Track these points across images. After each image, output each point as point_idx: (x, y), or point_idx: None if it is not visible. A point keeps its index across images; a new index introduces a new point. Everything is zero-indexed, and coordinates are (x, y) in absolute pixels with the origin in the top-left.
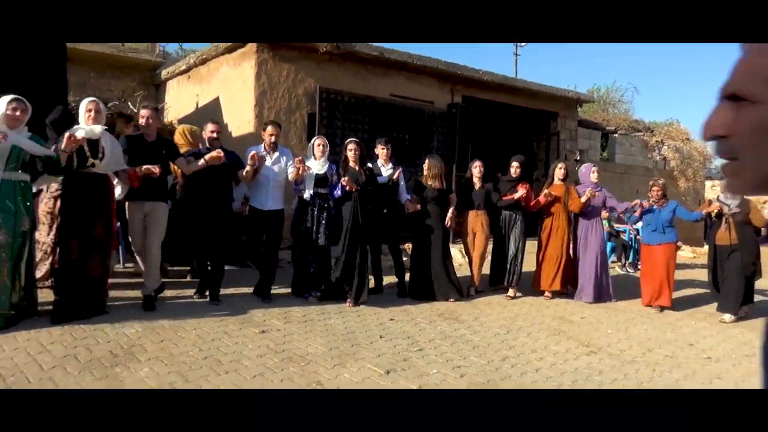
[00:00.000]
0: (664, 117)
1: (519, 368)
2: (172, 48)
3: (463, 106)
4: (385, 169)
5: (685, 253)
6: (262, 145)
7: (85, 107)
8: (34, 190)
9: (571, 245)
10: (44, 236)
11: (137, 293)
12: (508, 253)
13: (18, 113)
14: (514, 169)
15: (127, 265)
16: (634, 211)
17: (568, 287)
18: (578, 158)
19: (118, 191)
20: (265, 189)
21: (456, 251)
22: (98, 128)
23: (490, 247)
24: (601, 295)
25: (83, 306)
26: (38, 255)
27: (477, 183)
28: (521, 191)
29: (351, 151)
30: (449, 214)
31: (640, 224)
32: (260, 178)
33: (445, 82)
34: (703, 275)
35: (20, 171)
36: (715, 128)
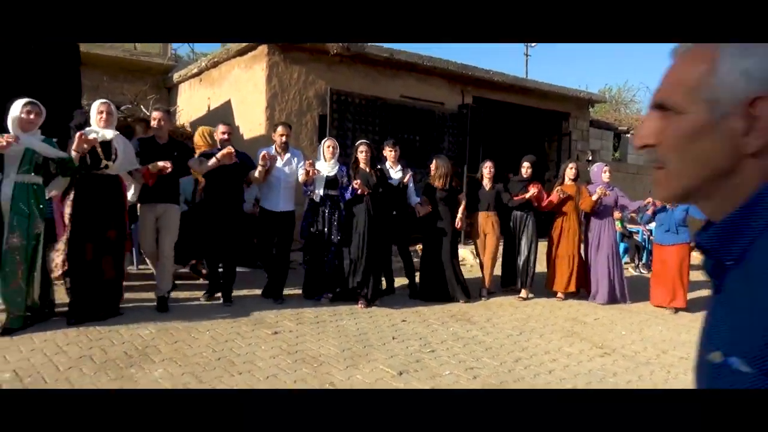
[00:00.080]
0: None
1: (532, 370)
2: (183, 51)
3: (473, 107)
4: (394, 171)
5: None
6: (273, 147)
7: (96, 109)
8: (48, 194)
9: (582, 246)
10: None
11: (151, 295)
12: (520, 253)
13: (32, 116)
14: (525, 169)
15: (140, 266)
16: (647, 210)
17: (581, 289)
18: (590, 158)
19: (130, 193)
20: (276, 190)
21: (468, 252)
22: (110, 132)
23: (501, 248)
24: (615, 296)
25: (98, 307)
26: (61, 257)
27: (487, 184)
28: (533, 190)
29: (362, 152)
30: (459, 215)
31: (653, 224)
32: (271, 180)
33: (456, 83)
34: None
35: (33, 174)
36: (644, 137)
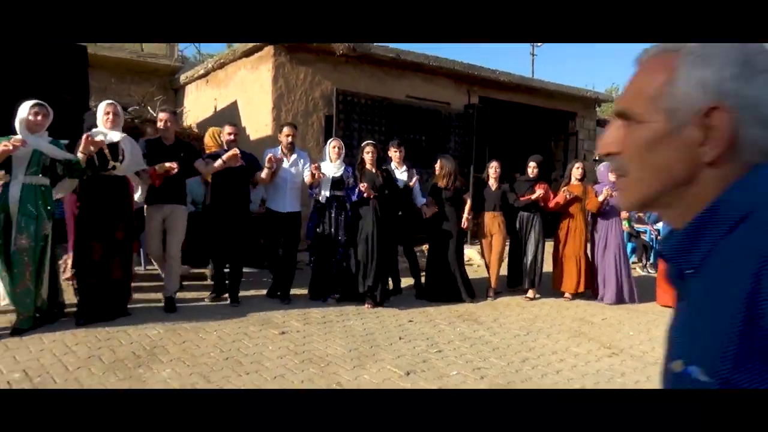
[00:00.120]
0: None
1: (539, 370)
2: (190, 53)
3: (480, 107)
4: (399, 172)
5: None
6: (280, 147)
7: (103, 110)
8: (55, 195)
9: (588, 246)
10: None
11: (158, 295)
12: (527, 254)
13: (39, 118)
14: (532, 169)
15: (148, 267)
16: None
17: (587, 289)
18: (597, 158)
19: (137, 195)
20: (282, 191)
21: (474, 253)
22: (117, 134)
23: (507, 248)
24: (622, 296)
25: (106, 308)
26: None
27: (493, 184)
28: (539, 191)
29: (368, 153)
30: (465, 215)
31: (660, 224)
32: (278, 181)
33: (462, 83)
34: None
35: (41, 175)
36: (608, 145)
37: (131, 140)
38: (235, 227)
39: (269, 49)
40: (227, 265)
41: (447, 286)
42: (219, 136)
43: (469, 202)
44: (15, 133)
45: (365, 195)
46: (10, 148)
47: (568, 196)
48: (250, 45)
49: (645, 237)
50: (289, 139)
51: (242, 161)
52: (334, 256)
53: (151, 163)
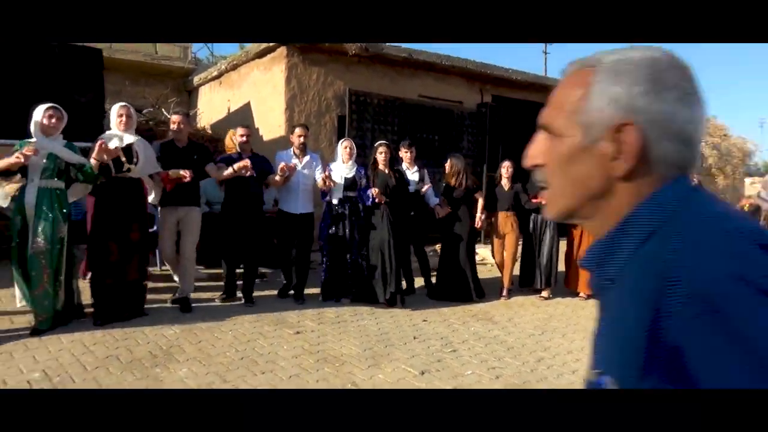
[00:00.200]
0: None
1: (555, 370)
2: (203, 55)
3: (492, 106)
4: (410, 173)
5: None
6: (291, 149)
7: (116, 112)
8: (70, 198)
9: None
10: None
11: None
12: (541, 253)
13: (54, 121)
14: None
15: (163, 267)
16: None
17: None
18: None
19: (151, 197)
20: (294, 193)
21: (488, 252)
22: (130, 137)
23: (520, 247)
24: None
25: (123, 308)
26: None
27: (506, 184)
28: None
29: (381, 154)
30: (477, 215)
31: None
32: (290, 183)
33: (474, 81)
34: None
35: (56, 178)
36: (533, 157)
37: (145, 142)
38: (249, 228)
39: (282, 50)
40: (239, 267)
41: (457, 285)
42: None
43: (481, 201)
44: (31, 137)
45: (377, 200)
46: (22, 160)
47: None
48: (263, 46)
49: None
50: (301, 139)
51: (253, 171)
52: (348, 256)
53: (164, 165)
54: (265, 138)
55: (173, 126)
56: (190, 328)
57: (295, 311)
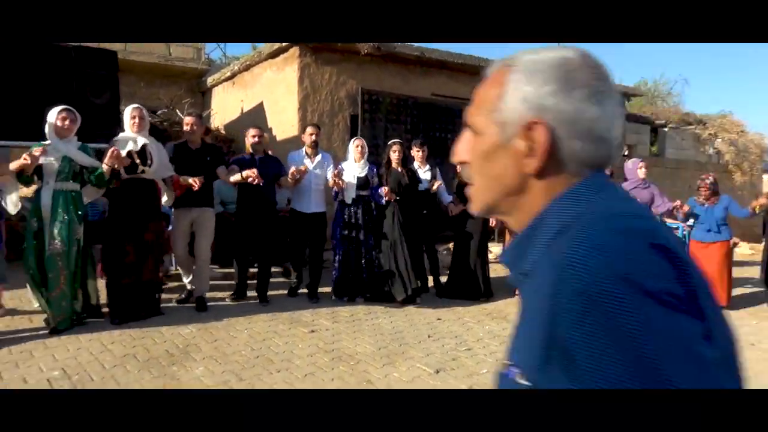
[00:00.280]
0: (716, 109)
1: None
2: (216, 55)
3: None
4: (422, 171)
5: (743, 250)
6: (303, 149)
7: (129, 114)
8: (85, 200)
9: None
10: None
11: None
12: None
13: (67, 123)
14: None
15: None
16: (678, 211)
17: None
18: (626, 153)
19: (164, 199)
20: (307, 192)
21: (501, 250)
22: (142, 139)
23: None
24: None
25: (140, 308)
26: None
27: None
28: None
29: (395, 152)
30: None
31: (691, 220)
32: (302, 183)
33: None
34: None
35: (71, 181)
36: (459, 154)
37: (158, 144)
38: (262, 228)
39: (294, 50)
40: (251, 267)
41: (468, 283)
42: None
43: None
44: (46, 139)
45: (386, 198)
46: (29, 161)
47: None
48: (276, 46)
49: (678, 233)
50: (313, 138)
51: (261, 180)
52: (360, 256)
53: (178, 167)
54: (278, 138)
55: (186, 127)
56: (206, 327)
57: (309, 310)
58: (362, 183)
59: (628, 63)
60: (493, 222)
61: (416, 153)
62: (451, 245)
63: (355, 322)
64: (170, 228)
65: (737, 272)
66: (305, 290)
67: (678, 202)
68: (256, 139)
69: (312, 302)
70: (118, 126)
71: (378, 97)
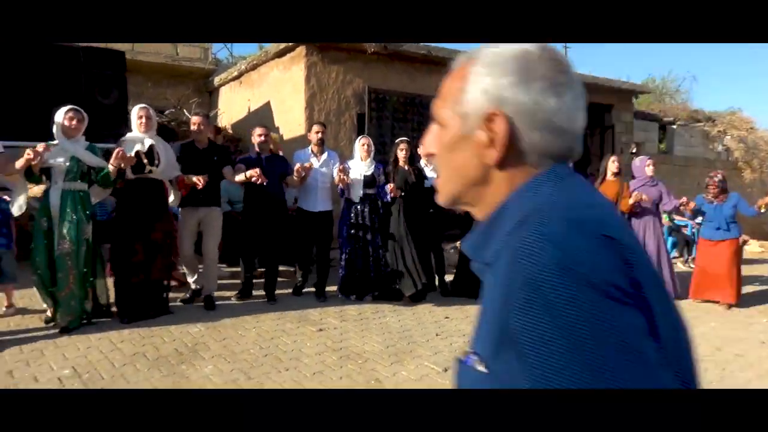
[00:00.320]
0: (725, 106)
1: None
2: (222, 55)
3: None
4: (429, 170)
5: (753, 248)
6: (310, 147)
7: (136, 114)
8: (93, 200)
9: None
10: None
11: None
12: None
13: (74, 123)
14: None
15: None
16: (685, 208)
17: None
18: (634, 151)
19: (171, 198)
20: (313, 191)
21: None
22: (149, 140)
23: None
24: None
25: (149, 306)
26: None
27: None
28: None
29: (402, 150)
30: None
31: (700, 218)
32: (309, 181)
33: None
34: None
35: (79, 181)
36: (426, 147)
37: (165, 144)
38: (268, 227)
39: (301, 49)
40: (257, 266)
41: (474, 281)
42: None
43: None
44: (54, 139)
45: (391, 195)
46: (32, 155)
47: None
48: (282, 45)
49: (686, 231)
50: (319, 135)
51: (264, 179)
52: (367, 254)
53: (184, 166)
54: (286, 137)
55: (193, 127)
56: (215, 325)
57: (317, 309)
58: (369, 181)
59: (636, 60)
60: None
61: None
62: (458, 243)
63: (363, 321)
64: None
65: (747, 270)
66: (312, 289)
67: (684, 199)
68: (263, 138)
69: (320, 301)
70: (126, 126)
71: (385, 96)
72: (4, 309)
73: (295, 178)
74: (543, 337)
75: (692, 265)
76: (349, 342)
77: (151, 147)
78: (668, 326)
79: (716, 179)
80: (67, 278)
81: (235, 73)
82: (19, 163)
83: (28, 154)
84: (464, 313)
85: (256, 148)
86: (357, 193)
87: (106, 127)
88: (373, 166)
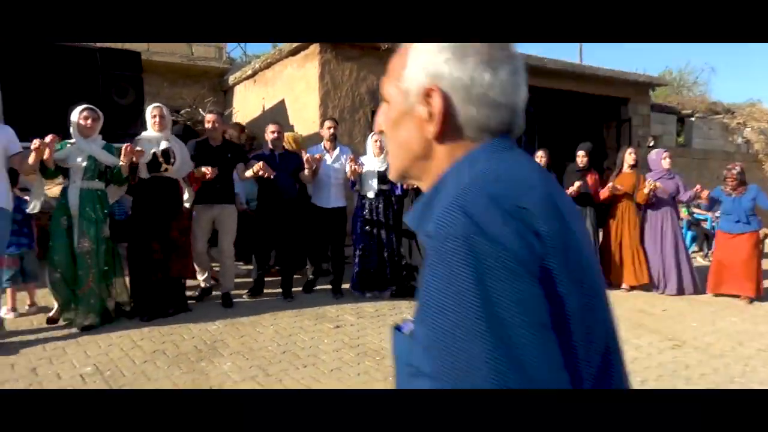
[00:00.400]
0: (745, 97)
1: None
2: (236, 54)
3: (527, 96)
4: None
5: None
6: (322, 144)
7: (150, 113)
8: (110, 199)
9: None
10: None
11: (215, 291)
12: None
13: (89, 122)
14: (581, 158)
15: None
16: (699, 198)
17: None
18: (651, 144)
19: (185, 196)
20: (326, 187)
21: None
22: (165, 143)
23: None
24: (684, 286)
25: (168, 304)
26: None
27: None
28: (574, 186)
29: None
30: None
31: (718, 212)
32: (321, 177)
33: None
34: None
35: (97, 180)
36: (377, 125)
37: (180, 143)
38: (283, 223)
39: (315, 47)
40: (269, 264)
41: None
42: (293, 141)
43: None
44: (71, 138)
45: (405, 186)
46: (37, 145)
47: (613, 191)
48: (296, 43)
49: (706, 225)
50: (331, 131)
51: (271, 172)
52: (382, 250)
53: (199, 164)
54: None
55: (208, 125)
56: (233, 323)
57: (333, 306)
58: (382, 177)
59: (653, 52)
60: None
61: None
62: None
63: (380, 318)
64: None
65: (767, 264)
66: (324, 286)
67: (698, 187)
68: (276, 134)
69: (336, 298)
70: (142, 126)
71: None
72: (26, 308)
73: (306, 170)
74: (435, 299)
75: (712, 259)
76: (366, 339)
77: (166, 149)
78: (584, 307)
79: (734, 171)
80: (87, 276)
81: (250, 72)
82: (31, 158)
83: (34, 144)
84: None
85: (270, 145)
86: (371, 189)
87: (123, 127)
88: (386, 162)
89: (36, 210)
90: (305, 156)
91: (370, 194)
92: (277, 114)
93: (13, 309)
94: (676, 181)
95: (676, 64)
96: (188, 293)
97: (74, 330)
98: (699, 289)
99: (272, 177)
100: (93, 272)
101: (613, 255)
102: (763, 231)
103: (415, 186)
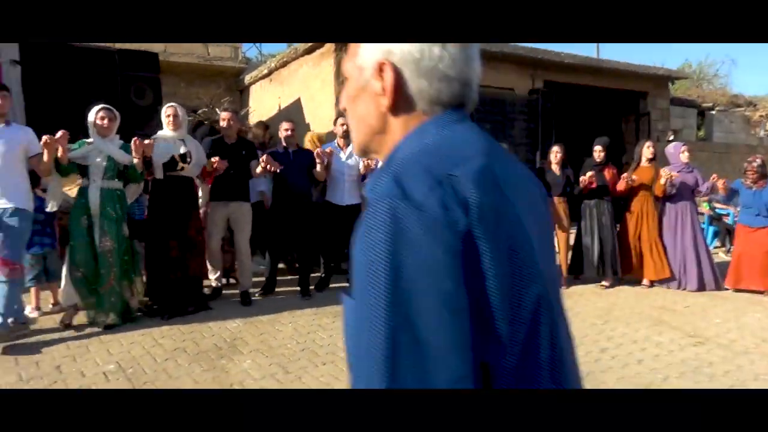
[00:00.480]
0: (767, 90)
1: (620, 360)
2: (252, 54)
3: (544, 92)
4: None
5: None
6: (336, 141)
7: (164, 113)
8: (129, 199)
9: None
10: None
11: (234, 290)
12: (603, 241)
13: (106, 122)
14: (598, 153)
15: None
16: (717, 189)
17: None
18: (671, 138)
19: (200, 194)
20: (341, 184)
21: None
22: (182, 146)
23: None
24: (705, 282)
25: (187, 302)
26: None
27: (556, 169)
28: (584, 177)
29: None
30: None
31: (740, 206)
32: (335, 174)
33: (526, 67)
34: None
35: (116, 179)
36: (341, 103)
37: (195, 142)
38: (297, 220)
39: (330, 45)
40: (281, 262)
41: None
42: (318, 140)
43: None
44: (89, 137)
45: None
46: (46, 139)
47: (630, 183)
48: (311, 42)
49: (728, 220)
50: (344, 128)
51: (278, 166)
52: None
53: None
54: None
55: (223, 123)
56: (252, 321)
57: None
58: None
59: (672, 45)
60: None
61: None
62: None
63: None
64: None
65: None
66: (345, 284)
67: (714, 177)
68: (289, 132)
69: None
70: (160, 126)
71: None
72: (50, 306)
73: (317, 166)
74: (356, 262)
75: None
76: None
77: (184, 153)
78: (514, 279)
79: (755, 164)
80: (109, 275)
81: (265, 71)
82: (45, 156)
83: (44, 140)
84: None
85: (283, 143)
86: None
87: (141, 127)
88: None
89: (54, 209)
90: (316, 151)
91: None
92: (293, 112)
93: (38, 308)
94: (695, 175)
95: (695, 57)
96: (228, 291)
97: (96, 328)
98: (720, 285)
99: (278, 171)
100: (114, 271)
101: (633, 250)
102: None
103: None
